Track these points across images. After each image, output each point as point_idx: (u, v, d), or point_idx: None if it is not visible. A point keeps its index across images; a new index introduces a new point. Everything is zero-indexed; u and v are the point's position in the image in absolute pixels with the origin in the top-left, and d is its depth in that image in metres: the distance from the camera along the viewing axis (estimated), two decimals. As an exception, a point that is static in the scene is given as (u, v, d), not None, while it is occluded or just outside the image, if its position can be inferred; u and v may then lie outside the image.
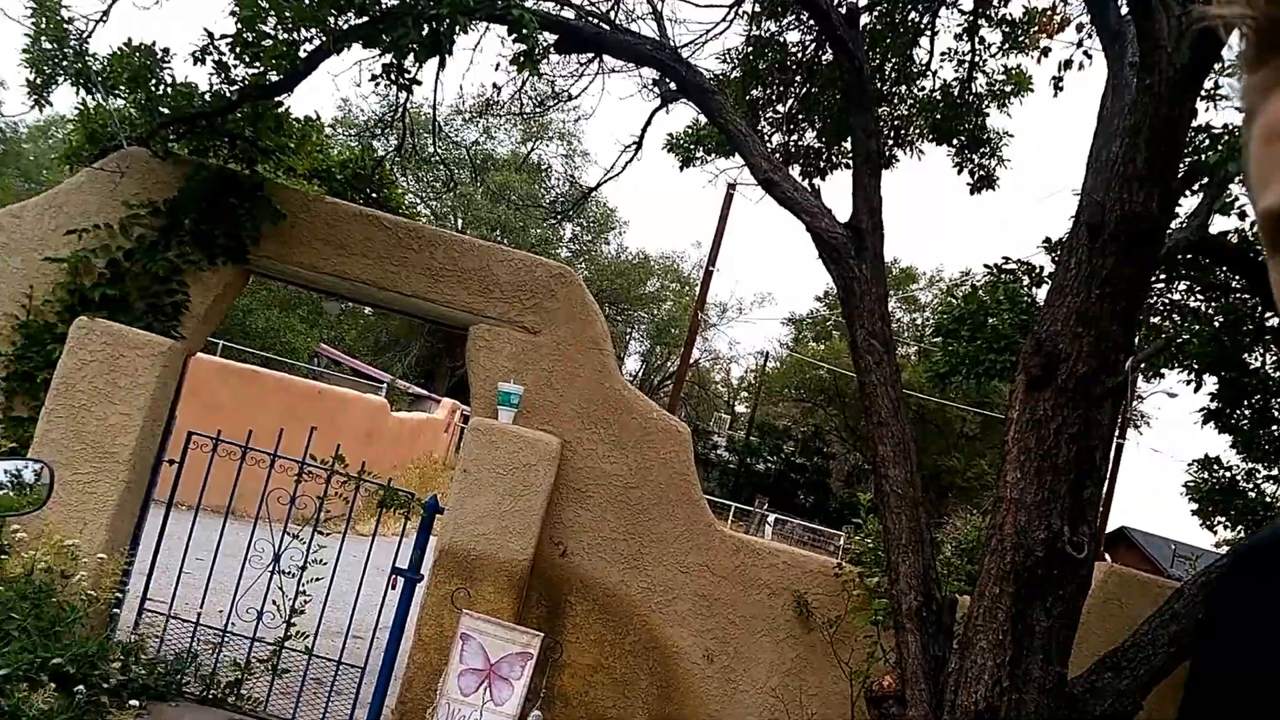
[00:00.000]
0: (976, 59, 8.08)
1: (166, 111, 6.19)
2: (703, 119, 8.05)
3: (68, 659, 5.15)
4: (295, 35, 5.65)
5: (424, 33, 5.28)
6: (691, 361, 31.51)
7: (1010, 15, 7.95)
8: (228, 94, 6.08)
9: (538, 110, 9.15)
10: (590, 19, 6.82)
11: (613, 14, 7.31)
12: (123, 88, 6.03)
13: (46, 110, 5.93)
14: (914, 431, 5.45)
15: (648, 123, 8.22)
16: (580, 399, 6.43)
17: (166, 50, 6.07)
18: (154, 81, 6.05)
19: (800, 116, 8.51)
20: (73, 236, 6.17)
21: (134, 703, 5.54)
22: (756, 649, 6.44)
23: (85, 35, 5.82)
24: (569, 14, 6.75)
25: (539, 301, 6.47)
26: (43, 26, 5.74)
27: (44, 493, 2.19)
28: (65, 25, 5.77)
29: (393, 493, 6.83)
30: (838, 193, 30.02)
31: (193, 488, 6.12)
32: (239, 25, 5.55)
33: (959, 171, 8.40)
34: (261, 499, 6.12)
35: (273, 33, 5.59)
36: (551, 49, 6.51)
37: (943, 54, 8.11)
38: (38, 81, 5.84)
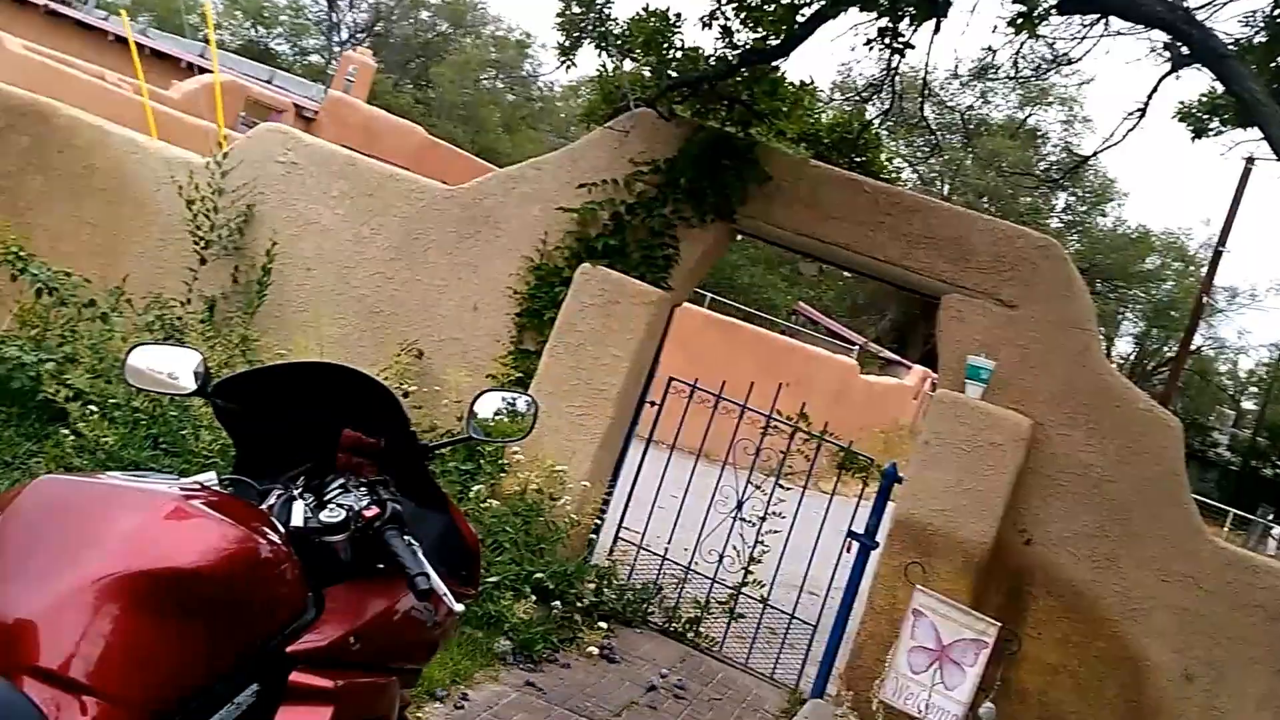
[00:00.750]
0: None
1: (674, 75, 6.49)
2: (1218, 86, 7.09)
3: (549, 575, 5.60)
4: (795, -1, 5.74)
5: (922, -7, 5.13)
6: (1192, 349, 28.35)
7: None
8: (730, 58, 6.29)
9: (1035, 75, 8.56)
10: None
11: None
12: (637, 51, 6.47)
13: (575, 72, 6.58)
14: None
15: (1154, 89, 7.27)
16: (1056, 380, 5.96)
17: (679, 15, 6.35)
18: (665, 46, 6.39)
19: (1340, 88, 7.17)
20: (584, 190, 6.75)
21: (603, 624, 5.90)
22: (1246, 678, 5.63)
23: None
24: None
25: (1018, 274, 6.06)
26: None
27: (529, 423, 2.42)
28: None
29: (852, 455, 6.85)
30: None
31: (669, 429, 6.55)
32: (744, -13, 5.73)
33: None
34: (730, 447, 6.41)
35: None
36: (1053, 10, 6.07)
37: None
38: (566, 44, 6.46)
